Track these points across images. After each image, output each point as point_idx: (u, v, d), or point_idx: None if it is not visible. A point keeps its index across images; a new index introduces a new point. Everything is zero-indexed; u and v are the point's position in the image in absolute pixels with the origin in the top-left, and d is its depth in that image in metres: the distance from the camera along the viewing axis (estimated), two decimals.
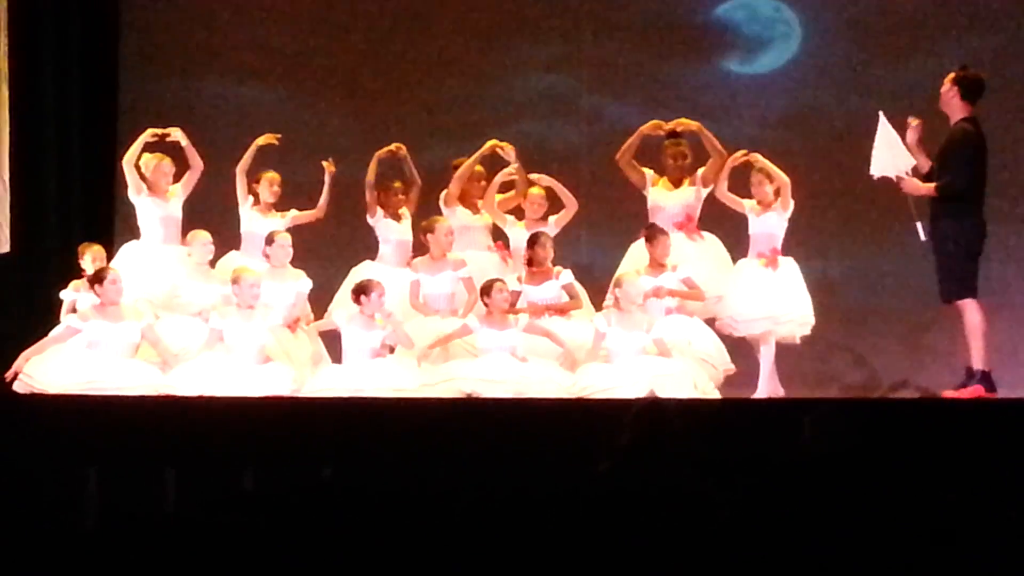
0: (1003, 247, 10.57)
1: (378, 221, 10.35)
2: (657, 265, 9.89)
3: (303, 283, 10.02)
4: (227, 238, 10.37)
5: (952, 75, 9.34)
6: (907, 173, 9.30)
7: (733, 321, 9.92)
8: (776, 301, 9.86)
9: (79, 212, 11.69)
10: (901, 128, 9.38)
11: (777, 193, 9.97)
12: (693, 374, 9.34)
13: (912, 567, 5.22)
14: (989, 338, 9.23)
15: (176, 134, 10.29)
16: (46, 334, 9.74)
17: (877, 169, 9.37)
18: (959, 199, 9.17)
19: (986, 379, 9.17)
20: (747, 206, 10.03)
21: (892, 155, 9.32)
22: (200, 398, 9.03)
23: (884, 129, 9.37)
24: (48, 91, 11.67)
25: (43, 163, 11.57)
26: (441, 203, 10.39)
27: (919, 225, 9.25)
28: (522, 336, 9.54)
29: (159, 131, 10.29)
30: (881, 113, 9.44)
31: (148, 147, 10.30)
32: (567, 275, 9.98)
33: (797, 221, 10.09)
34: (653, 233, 9.95)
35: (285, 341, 9.77)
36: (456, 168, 10.49)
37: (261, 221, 10.30)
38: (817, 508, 5.48)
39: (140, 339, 9.51)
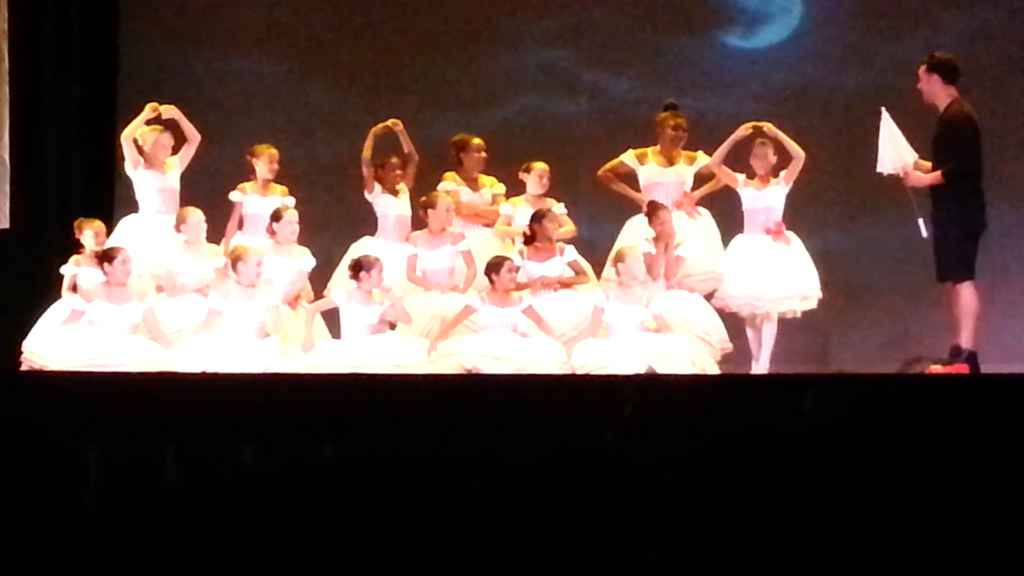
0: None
1: (376, 197, 10.32)
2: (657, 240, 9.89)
3: (306, 261, 9.98)
4: (226, 211, 10.32)
5: (925, 64, 9.35)
6: (912, 167, 9.34)
7: (754, 299, 9.88)
8: (787, 278, 9.86)
9: (78, 188, 11.68)
10: (903, 117, 9.39)
11: (782, 165, 9.96)
12: (691, 351, 9.35)
13: (910, 541, 5.24)
14: (980, 318, 9.27)
15: (170, 111, 10.26)
16: (45, 310, 9.75)
17: (884, 166, 9.40)
18: (963, 181, 9.20)
19: (972, 359, 9.22)
20: (741, 180, 10.02)
21: (896, 151, 9.35)
22: (200, 374, 9.03)
23: (887, 125, 9.40)
24: (48, 66, 11.65)
25: (42, 139, 11.56)
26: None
27: (921, 222, 9.27)
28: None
29: (159, 106, 10.28)
30: (884, 110, 9.45)
31: (146, 122, 10.28)
32: (571, 251, 9.94)
33: (796, 195, 10.08)
34: (653, 209, 9.94)
35: (284, 318, 9.76)
36: (455, 145, 10.46)
37: (261, 201, 10.26)
38: (816, 482, 5.50)
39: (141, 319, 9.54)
